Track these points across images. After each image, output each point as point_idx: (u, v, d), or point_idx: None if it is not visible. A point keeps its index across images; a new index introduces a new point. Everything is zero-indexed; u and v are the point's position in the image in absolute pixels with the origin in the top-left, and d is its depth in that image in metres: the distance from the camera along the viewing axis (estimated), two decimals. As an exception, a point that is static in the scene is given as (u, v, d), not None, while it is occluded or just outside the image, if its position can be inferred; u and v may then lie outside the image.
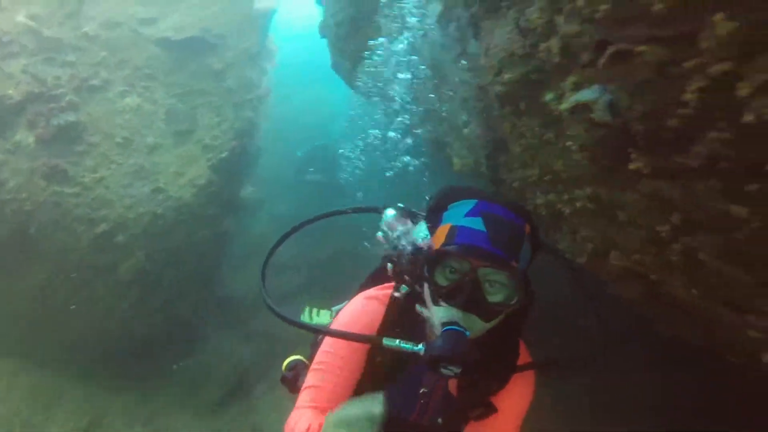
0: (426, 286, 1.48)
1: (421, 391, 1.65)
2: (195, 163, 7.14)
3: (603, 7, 1.50)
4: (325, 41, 7.18)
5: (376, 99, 5.70)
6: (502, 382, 1.56)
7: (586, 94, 1.74)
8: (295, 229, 2.00)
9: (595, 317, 1.74)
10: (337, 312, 1.92)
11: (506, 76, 2.18)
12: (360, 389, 1.65)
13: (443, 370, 1.31)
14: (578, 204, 2.32)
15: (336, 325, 1.67)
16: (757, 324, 1.75)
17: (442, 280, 1.40)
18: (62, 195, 5.54)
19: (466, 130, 3.18)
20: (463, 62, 2.92)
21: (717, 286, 1.80)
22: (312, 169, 12.26)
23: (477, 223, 1.37)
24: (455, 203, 1.48)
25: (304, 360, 2.19)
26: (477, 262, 1.33)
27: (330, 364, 1.64)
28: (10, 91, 5.31)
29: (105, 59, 6.34)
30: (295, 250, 8.62)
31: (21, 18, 5.52)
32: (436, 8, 3.21)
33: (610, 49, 1.53)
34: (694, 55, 1.32)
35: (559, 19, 1.82)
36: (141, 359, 6.61)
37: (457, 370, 1.31)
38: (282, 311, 1.66)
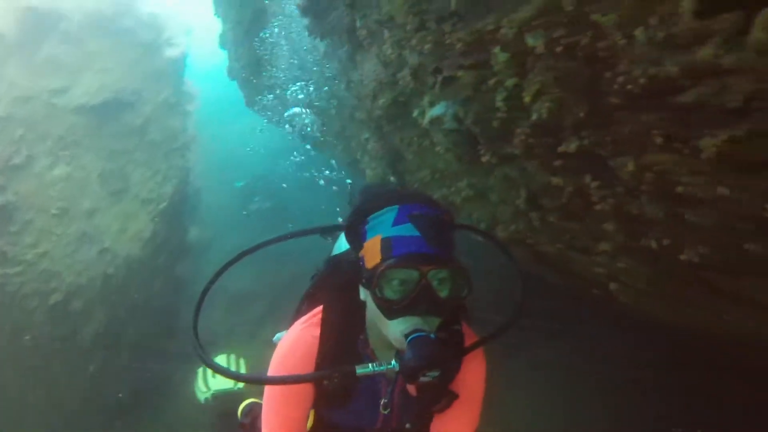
0: (371, 303, 1.39)
1: (382, 403, 1.58)
2: (136, 218, 7.20)
3: (427, 46, 1.88)
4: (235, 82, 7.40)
5: (287, 128, 5.98)
6: (456, 367, 1.53)
7: (437, 110, 2.12)
8: (218, 274, 1.85)
9: (519, 278, 1.72)
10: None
11: (380, 101, 2.54)
12: (317, 416, 1.63)
13: (422, 378, 1.27)
14: (463, 193, 2.71)
15: (276, 366, 1.54)
16: (600, 261, 2.18)
17: (393, 295, 1.32)
18: (6, 276, 5.52)
19: (369, 146, 3.54)
20: (351, 89, 3.28)
21: (567, 239, 2.23)
22: (257, 198, 12.34)
23: (409, 229, 1.32)
24: (375, 214, 1.40)
25: (259, 401, 2.00)
26: (425, 268, 1.28)
27: (281, 406, 1.55)
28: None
29: (23, 136, 6.33)
30: (255, 277, 8.70)
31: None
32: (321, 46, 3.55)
33: (440, 76, 1.91)
34: (492, 76, 1.71)
35: (406, 53, 2.19)
36: (114, 420, 6.49)
37: (437, 374, 1.27)
38: (219, 365, 1.53)
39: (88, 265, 6.14)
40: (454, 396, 1.53)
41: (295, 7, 3.07)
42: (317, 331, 1.53)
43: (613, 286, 2.32)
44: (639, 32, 1.27)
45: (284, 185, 11.33)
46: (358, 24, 2.46)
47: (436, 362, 1.25)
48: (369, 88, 2.59)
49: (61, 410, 6.25)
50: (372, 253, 1.36)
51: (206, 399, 2.61)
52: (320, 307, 1.60)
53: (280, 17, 4.13)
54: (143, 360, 7.16)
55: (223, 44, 7.50)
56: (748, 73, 1.17)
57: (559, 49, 1.44)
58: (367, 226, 1.41)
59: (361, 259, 1.40)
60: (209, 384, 2.65)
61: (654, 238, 1.82)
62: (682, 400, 4.02)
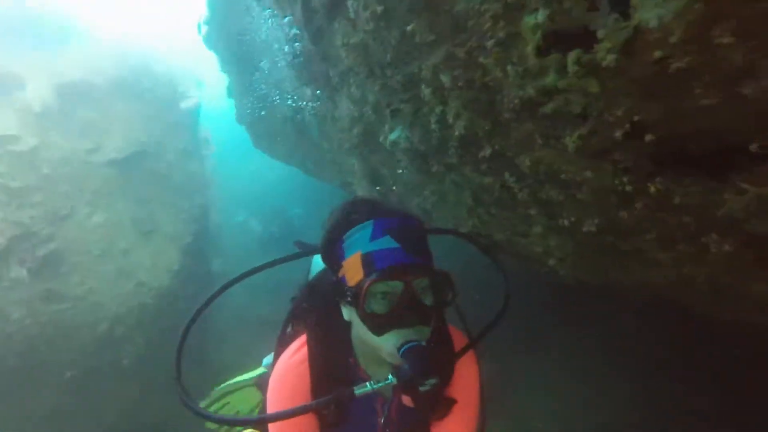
0: (357, 321, 1.34)
1: (381, 420, 1.53)
2: (165, 253, 7.73)
3: (377, 87, 2.36)
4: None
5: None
6: (450, 373, 1.50)
7: (393, 135, 2.59)
8: (209, 301, 1.83)
9: (502, 274, 1.71)
10: (269, 365, 1.85)
11: (355, 131, 3.02)
12: None
13: (422, 388, 1.23)
14: (429, 200, 3.16)
15: (273, 402, 1.48)
16: (537, 242, 2.60)
17: (380, 308, 1.27)
18: (60, 311, 6.04)
19: (355, 168, 4.01)
20: (336, 124, 3.77)
21: (509, 227, 2.65)
22: (273, 228, 12.87)
23: (387, 242, 1.29)
24: (349, 231, 1.35)
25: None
26: (408, 278, 1.25)
27: None
28: (-2, 239, 5.86)
29: (67, 191, 6.93)
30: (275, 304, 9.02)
31: (-10, 178, 6.11)
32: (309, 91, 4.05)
33: (389, 109, 2.38)
34: (424, 105, 2.18)
35: (366, 93, 2.68)
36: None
37: (435, 381, 1.23)
38: (209, 413, 1.44)
39: (127, 296, 6.65)
40: (452, 401, 1.47)
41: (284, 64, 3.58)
42: (305, 362, 1.47)
43: (551, 261, 2.73)
44: (509, 68, 1.74)
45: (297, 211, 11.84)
46: (330, 73, 2.95)
47: (433, 370, 1.22)
48: (346, 121, 3.06)
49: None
50: (353, 270, 1.30)
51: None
52: (304, 336, 1.53)
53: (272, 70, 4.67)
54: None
55: (230, 94, 8.10)
56: (578, 91, 1.62)
57: (461, 82, 1.90)
58: (343, 245, 1.34)
59: (342, 278, 1.34)
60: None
61: (564, 217, 2.24)
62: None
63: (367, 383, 1.32)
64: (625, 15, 1.42)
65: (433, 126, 2.21)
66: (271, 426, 1.48)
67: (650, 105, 1.53)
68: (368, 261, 1.28)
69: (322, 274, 1.78)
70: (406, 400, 1.46)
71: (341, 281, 1.35)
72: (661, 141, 1.60)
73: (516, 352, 5.22)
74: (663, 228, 1.91)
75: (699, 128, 1.52)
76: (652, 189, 1.76)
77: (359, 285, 1.27)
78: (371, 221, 1.33)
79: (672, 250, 2.01)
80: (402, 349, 1.23)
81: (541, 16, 1.56)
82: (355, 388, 1.32)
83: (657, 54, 1.40)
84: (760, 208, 1.58)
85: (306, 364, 1.48)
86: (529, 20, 1.60)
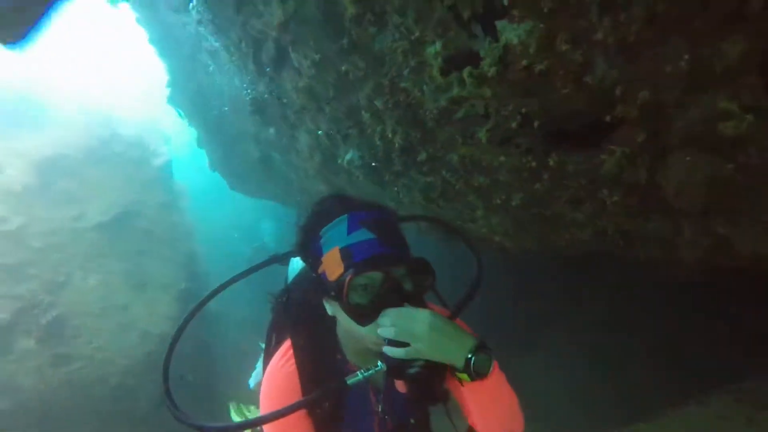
0: (342, 316, 1.31)
1: (379, 409, 1.50)
2: (161, 301, 7.89)
3: (326, 118, 2.74)
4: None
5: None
6: None
7: (348, 156, 2.96)
8: (186, 321, 1.72)
9: (473, 252, 1.68)
10: (257, 383, 1.77)
11: (316, 159, 3.39)
12: None
13: (410, 371, 1.21)
14: (390, 205, 3.53)
15: (265, 408, 1.42)
16: (483, 224, 2.99)
17: (362, 299, 1.25)
18: (71, 372, 6.15)
19: (320, 190, 4.37)
20: (300, 155, 4.14)
21: (459, 215, 3.04)
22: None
23: (364, 234, 1.27)
24: (324, 228, 1.31)
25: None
26: (387, 268, 1.24)
27: None
28: (1, 315, 5.97)
29: (60, 259, 7.08)
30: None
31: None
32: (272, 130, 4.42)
33: (339, 135, 2.77)
34: (367, 127, 2.58)
35: (319, 125, 3.06)
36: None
37: (421, 363, 1.21)
38: (200, 423, 1.32)
39: (133, 348, 6.79)
40: (448, 392, 1.38)
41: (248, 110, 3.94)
42: (293, 364, 1.42)
43: (497, 238, 3.13)
44: (424, 87, 2.14)
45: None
46: (287, 113, 3.33)
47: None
48: (306, 152, 3.43)
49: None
50: (333, 265, 1.27)
51: None
52: (289, 341, 1.48)
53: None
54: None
55: (200, 145, 8.39)
56: (477, 97, 2.03)
57: (390, 104, 2.30)
58: (321, 242, 1.31)
59: (322, 275, 1.31)
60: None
61: (496, 198, 2.65)
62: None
63: (358, 372, 1.27)
64: (496, 38, 1.84)
65: (378, 142, 2.60)
66: (265, 429, 1.42)
67: (530, 99, 1.95)
68: (346, 254, 1.25)
69: (299, 277, 1.73)
70: (400, 386, 1.40)
71: (322, 277, 1.31)
72: (545, 125, 2.02)
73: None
74: (568, 192, 2.32)
75: (568, 111, 1.95)
76: (551, 162, 2.17)
77: (340, 279, 1.23)
78: (346, 215, 1.29)
79: (581, 210, 2.43)
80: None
81: (438, 46, 1.98)
82: (346, 378, 1.27)
83: (524, 62, 1.82)
84: (627, 162, 2.01)
85: (293, 364, 1.42)
86: (430, 50, 2.01)
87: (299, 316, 1.50)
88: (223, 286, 1.74)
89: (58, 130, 9.60)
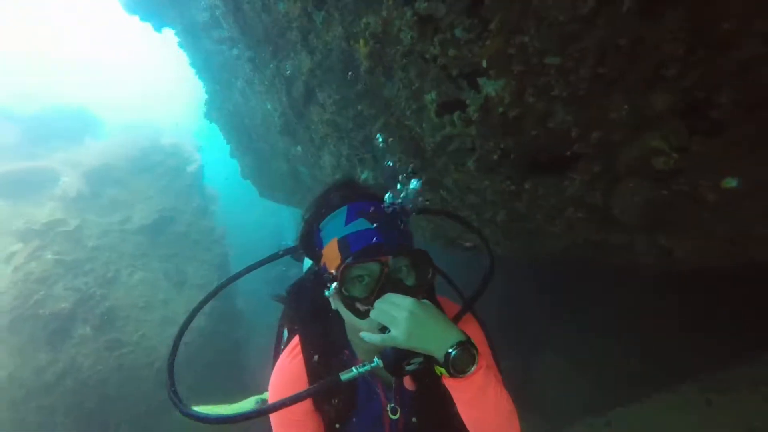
0: (342, 307, 1.24)
1: (389, 408, 1.39)
2: (197, 299, 8.41)
3: (346, 146, 3.20)
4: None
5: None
6: None
7: (364, 175, 3.40)
8: (191, 318, 1.68)
9: (480, 239, 1.63)
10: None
11: (336, 176, 3.84)
12: None
13: (408, 368, 1.14)
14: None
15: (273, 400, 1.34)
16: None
17: (359, 292, 1.18)
18: (123, 356, 6.75)
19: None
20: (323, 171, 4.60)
21: (456, 226, 3.45)
22: (284, 268, 13.51)
23: (362, 224, 1.19)
24: (324, 220, 1.26)
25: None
26: (385, 258, 1.16)
27: None
28: (64, 305, 6.61)
29: (109, 258, 7.73)
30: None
31: (49, 255, 6.91)
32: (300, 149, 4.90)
33: (356, 158, 3.22)
34: (377, 153, 3.02)
35: (341, 148, 3.51)
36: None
37: (420, 360, 1.14)
38: (202, 414, 1.25)
39: (173, 338, 7.35)
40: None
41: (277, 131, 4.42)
42: (301, 360, 1.36)
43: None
44: (423, 125, 2.58)
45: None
46: (313, 137, 3.80)
47: (414, 351, 1.12)
48: (329, 169, 3.89)
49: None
50: (332, 256, 1.21)
51: None
52: (297, 338, 1.42)
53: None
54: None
55: (232, 155, 8.96)
56: (465, 135, 2.45)
57: (397, 137, 2.75)
58: (321, 234, 1.25)
59: (323, 267, 1.24)
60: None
61: (485, 213, 3.05)
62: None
63: (353, 368, 1.19)
64: (478, 90, 2.27)
65: (392, 166, 3.04)
66: (274, 424, 1.39)
67: (506, 138, 2.37)
68: (344, 245, 1.18)
69: (307, 274, 1.63)
70: (408, 383, 1.36)
71: (323, 270, 1.24)
72: (520, 157, 2.44)
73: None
74: (543, 210, 2.73)
75: (537, 147, 2.36)
76: (527, 186, 2.58)
77: (338, 270, 1.17)
78: (345, 206, 1.24)
79: (556, 224, 2.83)
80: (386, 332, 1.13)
81: (433, 95, 2.41)
82: (341, 374, 1.19)
83: (500, 109, 2.24)
84: (586, 188, 2.41)
85: (301, 360, 1.35)
86: (428, 97, 2.44)
87: (308, 312, 1.42)
88: (231, 280, 1.70)
89: (107, 142, 10.33)
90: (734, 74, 1.70)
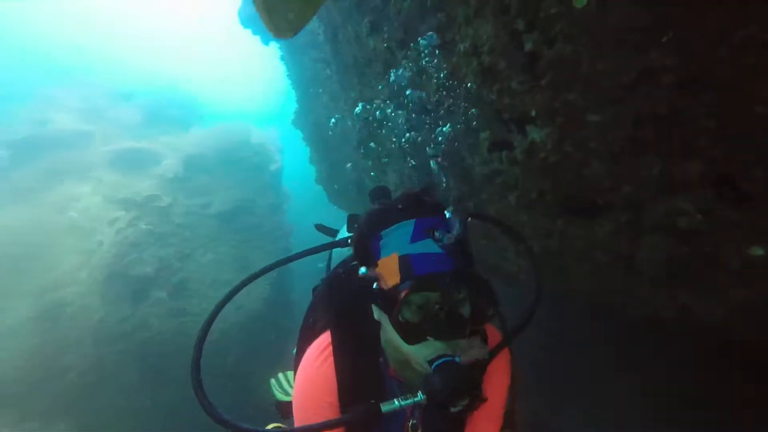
0: (388, 324, 1.16)
1: (410, 424, 1.33)
2: (257, 285, 9.12)
3: (408, 168, 3.58)
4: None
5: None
6: (481, 393, 1.18)
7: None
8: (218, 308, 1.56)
9: (531, 261, 1.53)
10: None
11: (397, 193, 4.24)
12: None
13: (453, 409, 1.06)
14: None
15: (299, 410, 1.30)
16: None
17: (414, 317, 1.09)
18: (184, 323, 7.51)
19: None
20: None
21: (495, 252, 3.70)
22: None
23: (429, 245, 1.09)
24: (389, 229, 1.15)
25: (284, 426, 1.78)
26: (448, 287, 1.08)
27: None
28: (148, 269, 7.52)
29: (189, 236, 8.63)
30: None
31: (143, 225, 7.91)
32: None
33: (420, 179, 3.59)
34: (434, 178, 3.38)
35: (403, 169, 3.89)
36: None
37: (465, 403, 1.06)
38: (235, 422, 1.21)
39: (230, 316, 8.04)
40: (483, 399, 1.19)
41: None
42: (331, 364, 1.27)
43: (522, 276, 3.74)
44: (475, 158, 2.90)
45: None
46: (382, 155, 4.23)
47: (465, 391, 1.05)
48: (392, 186, 4.29)
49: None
50: (389, 272, 1.12)
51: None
52: (328, 335, 1.33)
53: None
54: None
55: (310, 162, 9.68)
56: (510, 173, 2.74)
57: (451, 165, 3.08)
58: (381, 242, 1.15)
59: (375, 278, 1.15)
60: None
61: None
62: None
63: (395, 400, 1.14)
64: (525, 135, 2.56)
65: (443, 189, 3.39)
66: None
67: (545, 180, 2.63)
68: (406, 264, 1.09)
69: (347, 265, 1.56)
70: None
71: (374, 280, 1.15)
72: (556, 199, 2.69)
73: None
74: (573, 250, 2.94)
75: (573, 192, 2.60)
76: (560, 225, 2.82)
77: (394, 290, 1.09)
78: (413, 220, 1.13)
79: (583, 265, 3.02)
80: (434, 364, 1.07)
81: (487, 134, 2.74)
82: (382, 405, 1.14)
83: (542, 155, 2.52)
84: (611, 236, 2.60)
85: (332, 364, 1.27)
86: (482, 135, 2.77)
87: (343, 310, 1.35)
88: (268, 269, 1.63)
89: (205, 132, 11.48)
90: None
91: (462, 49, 2.58)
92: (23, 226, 8.31)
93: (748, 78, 1.74)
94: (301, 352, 1.44)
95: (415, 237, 1.12)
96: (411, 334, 1.10)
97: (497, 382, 1.40)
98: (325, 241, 1.86)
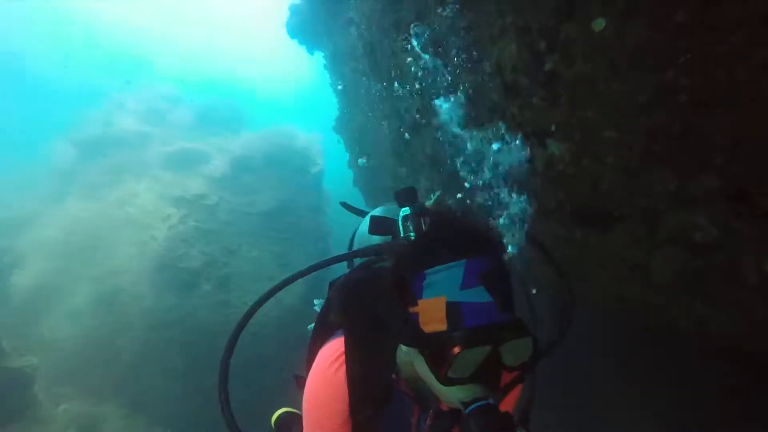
0: (419, 360, 1.08)
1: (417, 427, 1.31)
2: (296, 282, 9.51)
3: (444, 177, 3.75)
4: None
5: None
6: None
7: (449, 201, 3.91)
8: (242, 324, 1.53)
9: (567, 291, 1.46)
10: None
11: (432, 198, 4.41)
12: None
13: None
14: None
15: (309, 420, 1.27)
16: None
17: (463, 372, 1.00)
18: (228, 314, 7.97)
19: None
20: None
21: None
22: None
23: (480, 294, 0.99)
24: (436, 268, 1.03)
25: (293, 410, 1.75)
26: (499, 341, 0.99)
27: None
28: (195, 263, 8.06)
29: (235, 232, 9.12)
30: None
31: (192, 222, 8.47)
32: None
33: (449, 190, 3.75)
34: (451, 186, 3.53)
35: (434, 177, 4.06)
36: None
37: None
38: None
39: (270, 310, 8.42)
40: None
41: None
42: (344, 372, 1.23)
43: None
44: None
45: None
46: (416, 163, 4.41)
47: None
48: (423, 191, 4.46)
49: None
50: (433, 316, 1.02)
51: None
52: (342, 340, 1.28)
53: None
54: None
55: (349, 166, 9.98)
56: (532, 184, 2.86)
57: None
58: (425, 282, 1.04)
59: (413, 316, 1.06)
60: None
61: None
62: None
63: None
64: (544, 147, 2.68)
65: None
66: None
67: (562, 191, 2.74)
68: (455, 312, 1.00)
69: (369, 269, 1.49)
70: (444, 405, 1.22)
71: (411, 319, 1.07)
72: (574, 209, 2.79)
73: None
74: (591, 259, 3.02)
75: (591, 203, 2.69)
76: (577, 235, 2.91)
77: (440, 339, 1.00)
78: (463, 262, 1.02)
79: (602, 274, 3.09)
80: (470, 407, 1.01)
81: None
82: None
83: (559, 166, 2.63)
84: (628, 247, 2.67)
85: (344, 372, 1.22)
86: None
87: (360, 318, 1.28)
88: (303, 274, 1.55)
89: (252, 136, 12.04)
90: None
91: (487, 67, 2.74)
92: (88, 218, 9.06)
93: (765, 98, 1.80)
94: (314, 347, 1.42)
95: (467, 282, 1.01)
96: (450, 380, 1.01)
97: (510, 398, 1.39)
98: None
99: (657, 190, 2.41)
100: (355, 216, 2.38)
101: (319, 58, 9.33)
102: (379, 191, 7.09)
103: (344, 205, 2.12)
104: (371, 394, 1.20)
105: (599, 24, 2.13)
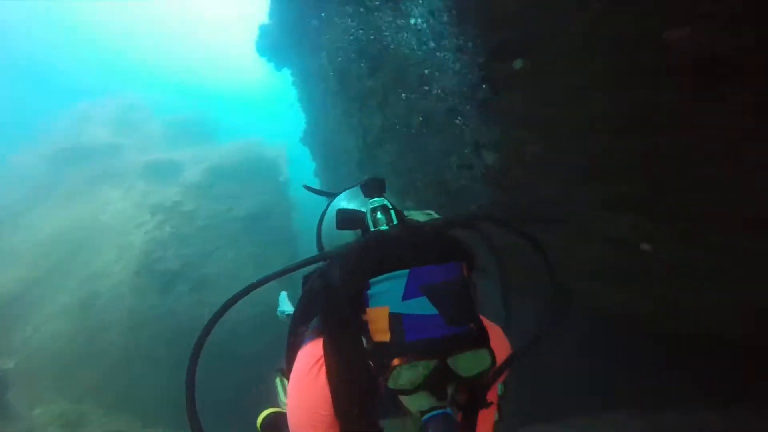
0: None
1: None
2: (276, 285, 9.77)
3: (401, 185, 4.20)
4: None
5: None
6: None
7: (407, 206, 4.36)
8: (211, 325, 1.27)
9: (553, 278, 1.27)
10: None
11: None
12: None
13: None
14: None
15: (293, 423, 1.15)
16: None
17: (405, 385, 0.91)
18: (206, 314, 8.03)
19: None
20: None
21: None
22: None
23: (424, 306, 0.89)
24: (378, 278, 0.93)
25: (280, 410, 1.52)
26: (444, 355, 0.89)
27: None
28: (172, 266, 8.19)
29: (212, 237, 9.27)
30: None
31: (168, 228, 8.58)
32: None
33: (408, 192, 4.20)
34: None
35: (421, 198, 4.51)
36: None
37: None
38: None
39: (246, 307, 8.39)
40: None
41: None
42: (324, 376, 1.13)
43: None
44: (448, 176, 3.52)
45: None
46: (379, 172, 4.84)
47: None
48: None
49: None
50: (379, 326, 0.93)
51: None
52: (320, 343, 1.17)
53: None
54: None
55: (315, 174, 10.29)
56: (476, 186, 3.35)
57: (428, 182, 3.69)
58: (368, 291, 0.94)
59: (365, 323, 0.96)
60: None
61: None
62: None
63: None
64: (482, 159, 3.17)
65: (425, 201, 3.99)
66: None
67: (502, 196, 3.24)
68: (397, 325, 0.90)
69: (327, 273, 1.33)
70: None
71: (364, 325, 0.97)
72: (515, 212, 3.29)
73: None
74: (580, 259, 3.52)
75: (530, 207, 3.20)
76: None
77: (383, 349, 0.92)
78: (407, 271, 0.91)
79: (595, 280, 3.54)
80: (425, 417, 0.92)
81: (455, 158, 3.35)
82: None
83: (496, 175, 3.12)
84: (567, 244, 3.19)
85: (324, 376, 1.13)
86: (452, 160, 3.38)
87: (335, 320, 1.16)
88: (256, 285, 1.35)
89: (225, 147, 12.16)
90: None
91: (434, 93, 3.22)
92: (66, 226, 8.97)
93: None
94: (293, 348, 1.31)
95: (408, 293, 0.91)
96: (401, 393, 0.94)
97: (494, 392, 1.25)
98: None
99: (589, 198, 2.85)
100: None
101: (286, 75, 9.60)
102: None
103: (308, 187, 1.95)
104: (354, 392, 1.10)
105: (518, 63, 2.64)
